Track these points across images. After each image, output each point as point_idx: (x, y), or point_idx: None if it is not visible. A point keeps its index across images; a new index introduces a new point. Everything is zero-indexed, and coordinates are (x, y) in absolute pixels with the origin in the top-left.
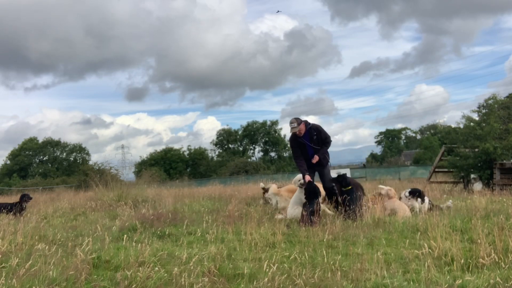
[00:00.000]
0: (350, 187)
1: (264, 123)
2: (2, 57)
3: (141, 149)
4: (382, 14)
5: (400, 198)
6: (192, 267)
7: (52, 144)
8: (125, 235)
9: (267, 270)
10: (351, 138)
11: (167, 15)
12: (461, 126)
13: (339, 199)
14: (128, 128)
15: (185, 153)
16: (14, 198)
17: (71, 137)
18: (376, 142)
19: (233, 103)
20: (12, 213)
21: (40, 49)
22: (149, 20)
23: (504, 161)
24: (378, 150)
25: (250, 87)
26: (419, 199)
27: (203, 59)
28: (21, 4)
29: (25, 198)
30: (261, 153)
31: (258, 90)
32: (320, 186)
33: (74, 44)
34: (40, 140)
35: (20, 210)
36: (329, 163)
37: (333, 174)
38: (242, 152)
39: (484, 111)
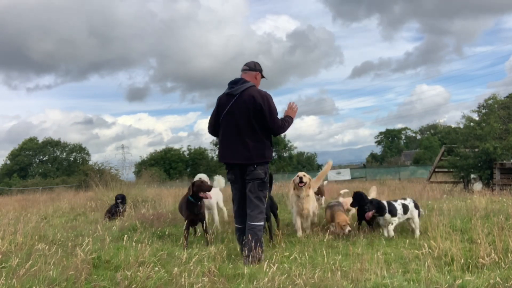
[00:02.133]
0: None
1: None
2: (6, 58)
3: (142, 149)
4: (383, 15)
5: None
6: (192, 267)
7: (52, 144)
8: (125, 235)
9: (267, 270)
10: (351, 138)
11: (171, 17)
12: (461, 126)
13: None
14: (129, 128)
15: (185, 153)
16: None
17: (73, 137)
18: (376, 142)
19: None
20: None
21: (43, 50)
22: (152, 21)
23: (504, 161)
24: (378, 150)
25: None
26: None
27: (205, 59)
28: (25, 5)
29: (117, 201)
30: None
31: None
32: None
33: (77, 45)
34: (40, 140)
35: (112, 213)
36: None
37: (333, 174)
38: None
39: (484, 111)
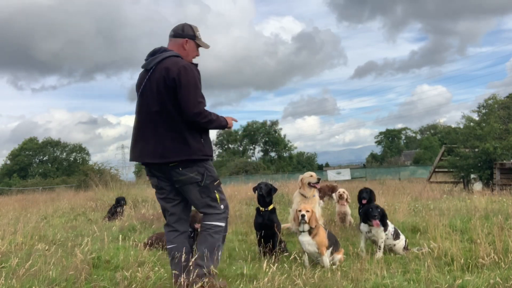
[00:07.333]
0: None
1: (264, 123)
2: (12, 59)
3: None
4: (386, 17)
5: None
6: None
7: (52, 144)
8: (125, 235)
9: (267, 270)
10: (352, 138)
11: (177, 19)
12: (461, 126)
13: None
14: (132, 128)
15: None
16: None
17: (77, 137)
18: (376, 142)
19: (236, 103)
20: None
21: (49, 50)
22: (156, 22)
23: (504, 161)
24: (378, 150)
25: (254, 87)
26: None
27: (210, 60)
28: (33, 7)
29: (120, 202)
30: (261, 153)
31: (261, 91)
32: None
33: (83, 46)
34: (40, 140)
35: (112, 214)
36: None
37: (333, 174)
38: (242, 152)
39: (484, 111)
